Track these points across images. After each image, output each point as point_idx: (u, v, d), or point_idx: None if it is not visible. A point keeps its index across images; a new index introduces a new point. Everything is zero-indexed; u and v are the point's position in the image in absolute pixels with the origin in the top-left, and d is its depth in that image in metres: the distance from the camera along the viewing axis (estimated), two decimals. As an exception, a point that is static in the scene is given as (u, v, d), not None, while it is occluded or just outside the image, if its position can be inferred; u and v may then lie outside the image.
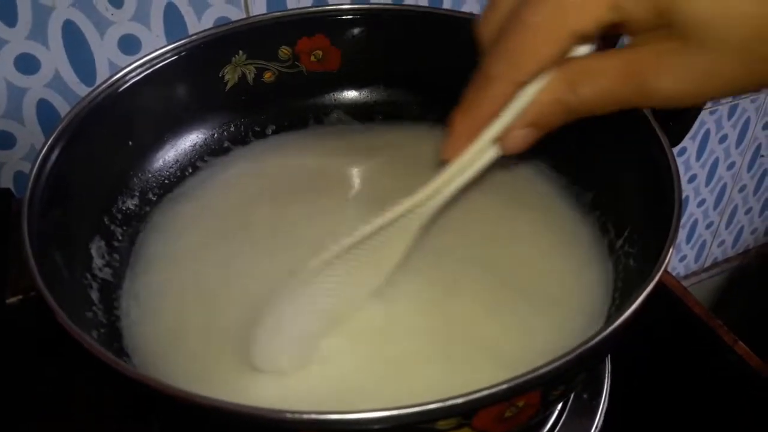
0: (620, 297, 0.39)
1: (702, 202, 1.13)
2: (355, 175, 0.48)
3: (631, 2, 0.27)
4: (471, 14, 0.50)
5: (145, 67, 0.44)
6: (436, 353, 0.36)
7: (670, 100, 0.28)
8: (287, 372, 0.35)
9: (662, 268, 0.31)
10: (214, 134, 0.50)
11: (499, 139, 0.32)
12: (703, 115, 0.98)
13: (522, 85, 0.30)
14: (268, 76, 0.50)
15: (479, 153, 0.32)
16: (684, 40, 0.26)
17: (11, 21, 0.53)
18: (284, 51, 0.49)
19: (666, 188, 0.35)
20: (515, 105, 0.30)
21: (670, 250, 0.32)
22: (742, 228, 1.24)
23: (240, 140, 0.50)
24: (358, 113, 0.52)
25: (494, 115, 0.31)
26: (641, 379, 0.49)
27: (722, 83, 0.27)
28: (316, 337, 0.36)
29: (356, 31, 0.49)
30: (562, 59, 0.29)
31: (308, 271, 0.33)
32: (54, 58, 0.55)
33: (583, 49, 0.30)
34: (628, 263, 0.40)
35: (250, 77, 0.49)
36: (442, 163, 0.33)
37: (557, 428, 0.42)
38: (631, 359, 0.45)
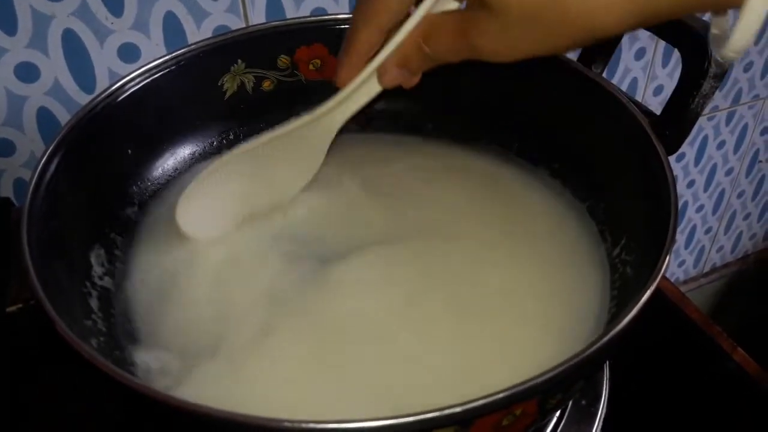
0: (617, 305, 0.39)
1: (700, 208, 1.13)
2: (350, 185, 0.48)
3: None
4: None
5: (144, 75, 0.44)
6: (433, 362, 0.37)
7: (492, 56, 0.33)
8: (199, 239, 0.42)
9: (659, 277, 0.31)
10: (213, 143, 0.50)
11: (378, 74, 0.38)
12: (701, 121, 0.98)
13: (383, 31, 0.35)
14: (267, 85, 0.50)
15: (364, 81, 0.38)
16: (488, 9, 0.31)
17: (11, 30, 0.53)
18: (283, 60, 0.49)
19: (662, 197, 0.36)
20: (386, 48, 0.36)
21: (667, 259, 0.32)
22: (740, 233, 1.24)
23: (239, 148, 0.51)
24: (356, 122, 0.52)
25: (368, 53, 0.37)
26: (640, 386, 0.50)
27: (522, 45, 0.32)
28: (232, 216, 0.43)
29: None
30: (428, 13, 0.35)
31: (229, 155, 0.41)
32: (54, 66, 0.56)
33: (452, 4, 0.35)
34: (625, 271, 0.40)
35: (249, 86, 0.49)
36: (336, 89, 0.40)
37: (556, 435, 0.42)
38: (629, 365, 0.45)
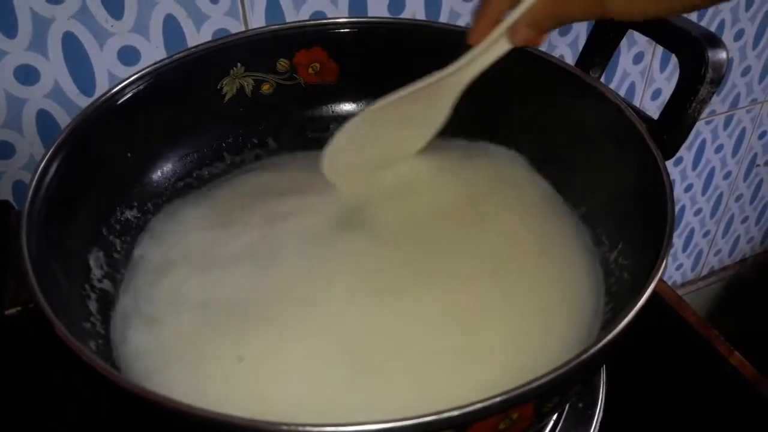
0: (614, 309, 0.39)
1: (698, 211, 1.13)
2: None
3: None
4: (467, 27, 0.50)
5: (144, 78, 0.44)
6: (430, 366, 0.37)
7: (623, 15, 0.35)
8: (343, 186, 0.47)
9: (654, 282, 0.31)
10: (212, 145, 0.50)
11: (509, 34, 0.40)
12: (699, 125, 0.98)
13: None
14: (266, 89, 0.50)
15: (495, 40, 0.41)
16: None
17: (11, 32, 0.53)
18: (282, 63, 0.50)
19: (659, 202, 0.36)
20: (519, 9, 0.39)
21: (663, 264, 0.32)
22: (738, 237, 1.24)
23: (238, 151, 0.51)
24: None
25: (501, 13, 0.40)
26: (637, 389, 0.50)
27: (648, 7, 0.34)
28: (366, 167, 0.47)
29: (354, 44, 0.50)
30: None
31: (368, 110, 0.44)
32: (54, 69, 0.56)
33: None
34: (622, 275, 0.40)
35: (248, 89, 0.50)
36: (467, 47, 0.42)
37: (553, 438, 0.42)
38: (626, 369, 0.45)
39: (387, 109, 0.44)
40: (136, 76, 0.44)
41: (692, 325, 0.54)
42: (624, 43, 0.77)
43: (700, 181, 1.08)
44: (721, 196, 1.13)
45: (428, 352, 0.37)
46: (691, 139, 1.00)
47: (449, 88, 0.45)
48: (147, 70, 0.45)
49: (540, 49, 0.46)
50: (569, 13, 0.38)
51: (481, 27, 0.41)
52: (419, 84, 0.43)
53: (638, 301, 0.31)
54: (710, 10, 0.84)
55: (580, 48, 0.49)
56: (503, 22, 0.40)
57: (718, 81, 0.39)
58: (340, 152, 0.45)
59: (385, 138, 0.46)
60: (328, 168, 0.45)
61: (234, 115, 0.50)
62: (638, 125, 0.40)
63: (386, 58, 0.50)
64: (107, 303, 0.40)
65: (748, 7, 0.87)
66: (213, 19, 0.59)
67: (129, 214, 0.45)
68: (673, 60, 0.86)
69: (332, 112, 0.53)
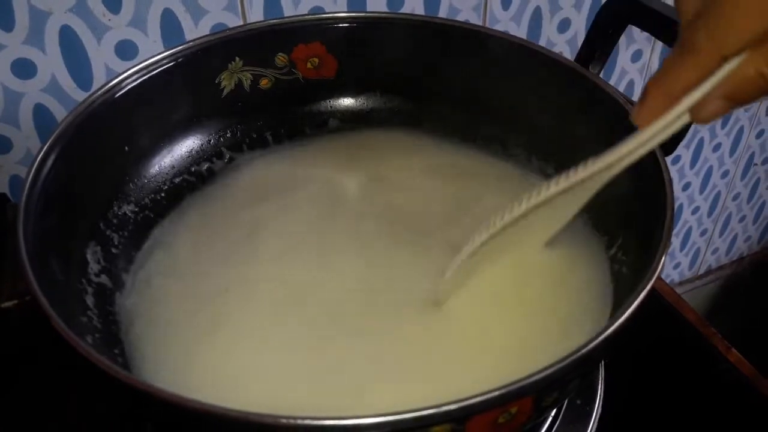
0: (614, 305, 0.39)
1: (696, 210, 1.13)
2: (351, 183, 0.49)
3: None
4: (466, 23, 0.50)
5: (141, 72, 0.44)
6: (429, 360, 0.37)
7: None
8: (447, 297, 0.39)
9: (654, 278, 0.31)
10: (210, 140, 0.50)
11: (692, 110, 0.32)
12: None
13: (726, 58, 0.30)
14: (264, 83, 0.50)
15: (671, 121, 0.32)
16: None
17: (8, 26, 0.53)
18: (281, 58, 0.49)
19: (659, 198, 0.36)
20: (714, 77, 0.30)
21: (662, 260, 0.32)
22: (735, 236, 1.24)
23: (236, 146, 0.51)
24: (355, 120, 0.53)
25: (693, 85, 0.31)
26: (635, 386, 0.50)
27: None
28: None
29: (352, 38, 0.50)
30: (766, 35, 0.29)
31: (500, 223, 0.36)
32: (51, 63, 0.56)
33: None
34: (621, 271, 0.40)
35: (246, 84, 0.49)
36: (632, 128, 0.33)
37: (551, 434, 0.42)
38: (624, 365, 0.45)
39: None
40: (133, 70, 0.44)
41: (690, 323, 0.54)
42: (622, 40, 0.77)
43: (697, 179, 1.08)
44: (718, 194, 1.14)
45: (425, 346, 0.37)
46: (689, 137, 1.00)
47: (595, 183, 0.36)
48: (144, 64, 0.44)
49: (538, 44, 0.45)
50: None
51: (659, 101, 0.31)
52: (565, 183, 0.35)
53: (638, 297, 0.30)
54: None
55: (579, 44, 0.49)
56: (693, 92, 0.31)
57: (718, 77, 0.39)
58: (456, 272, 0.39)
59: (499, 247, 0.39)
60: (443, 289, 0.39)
61: (232, 110, 0.50)
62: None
63: (385, 53, 0.50)
64: (104, 297, 0.40)
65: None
66: (211, 13, 0.59)
67: (126, 209, 0.45)
68: (672, 58, 0.86)
69: (331, 107, 0.52)
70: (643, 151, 0.34)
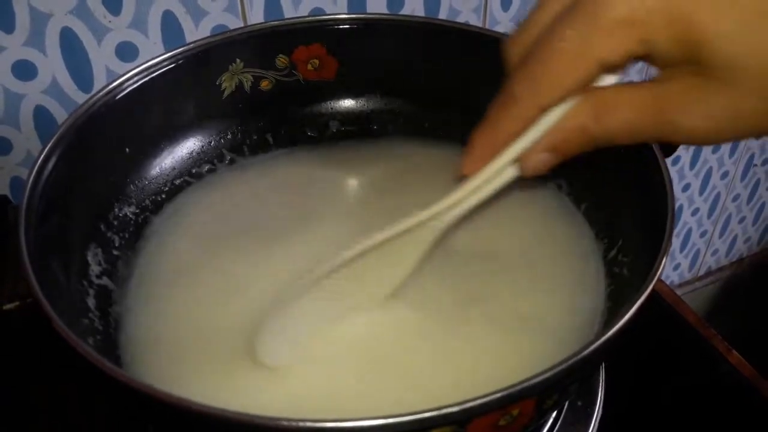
0: (613, 306, 0.39)
1: (696, 211, 1.13)
2: (351, 185, 0.49)
3: (661, 36, 0.26)
4: (467, 24, 0.50)
5: (142, 74, 0.44)
6: (430, 362, 0.37)
7: (692, 137, 0.28)
8: (288, 365, 0.36)
9: (655, 280, 0.31)
10: (211, 142, 0.50)
11: (519, 160, 0.32)
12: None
13: (545, 108, 0.30)
14: (265, 85, 0.50)
15: (498, 171, 0.33)
16: (710, 77, 0.26)
17: (9, 27, 0.53)
18: (281, 60, 0.49)
19: (659, 199, 0.36)
20: (537, 128, 0.30)
21: (663, 261, 0.32)
22: (735, 237, 1.25)
23: (237, 148, 0.51)
24: (355, 122, 0.53)
25: (515, 135, 0.31)
26: (635, 387, 0.50)
27: (745, 123, 0.27)
28: (317, 336, 0.37)
29: (353, 40, 0.50)
30: (588, 87, 0.29)
31: (315, 275, 0.34)
32: (51, 64, 0.56)
33: (610, 79, 0.30)
34: (621, 272, 0.40)
35: (247, 85, 0.49)
36: (459, 178, 0.34)
37: (552, 436, 0.42)
38: (625, 367, 0.45)
39: (336, 275, 0.35)
40: (134, 71, 0.44)
41: (690, 325, 0.54)
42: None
43: (697, 180, 1.08)
44: (718, 196, 1.14)
45: (427, 349, 0.37)
46: (689, 138, 1.00)
47: (426, 234, 0.36)
48: (145, 65, 0.44)
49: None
50: (615, 133, 0.29)
51: (483, 151, 0.32)
52: (389, 231, 0.34)
53: (638, 299, 0.30)
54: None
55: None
56: (515, 144, 0.31)
57: (719, 79, 0.39)
58: (276, 331, 0.36)
59: (337, 299, 0.37)
60: (262, 352, 0.35)
61: (233, 112, 0.50)
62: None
63: (386, 54, 0.50)
64: (106, 299, 0.40)
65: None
66: (212, 15, 0.59)
67: (127, 210, 0.45)
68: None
69: (331, 108, 0.53)
70: (475, 200, 0.34)
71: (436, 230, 0.36)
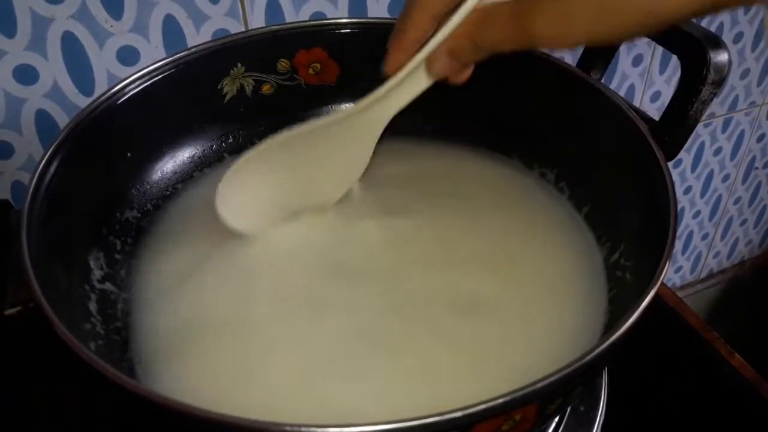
0: (616, 310, 0.39)
1: (697, 214, 1.13)
2: (354, 189, 0.48)
3: None
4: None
5: (144, 78, 0.44)
6: (433, 367, 0.37)
7: (548, 43, 0.32)
8: (246, 232, 0.42)
9: (658, 284, 0.31)
10: (212, 146, 0.50)
11: (426, 63, 0.37)
12: (698, 127, 0.98)
13: (436, 17, 0.35)
14: (266, 89, 0.50)
15: (414, 72, 0.37)
16: None
17: (10, 32, 0.53)
18: (283, 64, 0.50)
19: (662, 203, 0.36)
20: (437, 36, 0.35)
21: (666, 265, 0.32)
22: (737, 239, 1.24)
23: (238, 152, 0.51)
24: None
25: (419, 42, 0.36)
26: (638, 391, 0.50)
27: (580, 28, 0.30)
28: (273, 211, 0.42)
29: (354, 44, 0.50)
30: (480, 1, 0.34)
31: (268, 143, 0.40)
32: (53, 69, 0.56)
33: None
34: (624, 276, 0.40)
35: (248, 89, 0.50)
36: (385, 78, 0.38)
37: (554, 440, 0.42)
38: (627, 371, 0.45)
39: (293, 143, 0.40)
40: (135, 76, 0.44)
41: (692, 327, 0.54)
42: (623, 45, 0.77)
43: (698, 183, 1.08)
44: (719, 198, 1.14)
45: (428, 354, 0.37)
46: (690, 141, 1.00)
47: (368, 124, 0.41)
48: (146, 70, 0.44)
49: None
50: (491, 42, 0.33)
51: (398, 55, 0.37)
52: (326, 119, 0.40)
53: (641, 303, 0.30)
54: (710, 13, 0.84)
55: (581, 49, 0.49)
56: (422, 49, 0.36)
57: (720, 82, 0.39)
58: (235, 189, 0.41)
59: (295, 179, 0.42)
60: (222, 208, 0.41)
61: (234, 116, 0.50)
62: (641, 126, 0.40)
63: (387, 58, 0.50)
64: (107, 303, 0.40)
65: (746, 10, 0.87)
66: (213, 19, 0.59)
67: (129, 214, 0.45)
68: (673, 62, 0.87)
69: (333, 112, 0.53)
70: (400, 100, 0.39)
71: (370, 122, 0.41)
